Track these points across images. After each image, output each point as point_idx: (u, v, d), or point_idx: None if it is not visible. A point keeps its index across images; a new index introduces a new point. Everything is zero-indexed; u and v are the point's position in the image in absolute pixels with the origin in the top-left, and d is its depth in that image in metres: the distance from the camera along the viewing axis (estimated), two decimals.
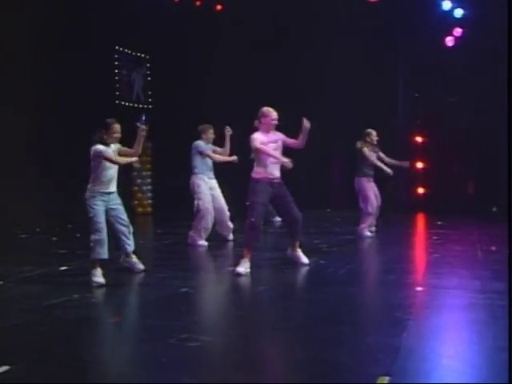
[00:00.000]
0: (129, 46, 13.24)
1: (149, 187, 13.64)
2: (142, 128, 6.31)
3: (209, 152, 8.64)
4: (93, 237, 6.04)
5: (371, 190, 9.30)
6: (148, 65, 13.98)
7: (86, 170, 10.96)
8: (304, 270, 6.78)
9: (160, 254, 8.34)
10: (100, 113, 11.82)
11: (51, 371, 3.72)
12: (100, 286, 5.90)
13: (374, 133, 9.29)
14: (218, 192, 8.75)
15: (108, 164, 6.19)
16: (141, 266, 6.58)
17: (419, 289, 5.88)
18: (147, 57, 13.91)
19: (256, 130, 6.75)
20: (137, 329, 4.83)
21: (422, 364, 3.82)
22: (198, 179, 8.61)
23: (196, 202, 8.61)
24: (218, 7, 13.97)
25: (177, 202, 12.31)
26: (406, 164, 9.86)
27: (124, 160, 6.32)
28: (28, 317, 4.90)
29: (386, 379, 3.47)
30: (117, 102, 12.84)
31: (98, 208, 6.14)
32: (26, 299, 5.48)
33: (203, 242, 8.59)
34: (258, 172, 6.72)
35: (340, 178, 13.67)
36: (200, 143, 8.62)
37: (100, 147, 6.14)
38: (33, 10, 10.30)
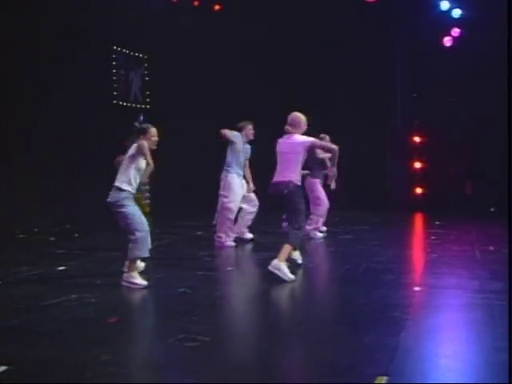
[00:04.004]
0: (126, 45, 13.21)
1: (147, 187, 13.59)
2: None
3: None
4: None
5: (323, 192, 9.36)
6: (146, 65, 13.95)
7: (86, 169, 10.92)
8: (303, 270, 6.77)
9: (158, 254, 8.30)
10: (98, 113, 11.90)
11: (49, 371, 3.71)
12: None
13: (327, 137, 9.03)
14: (244, 191, 8.63)
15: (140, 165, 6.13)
16: None
17: (417, 289, 5.88)
18: (145, 57, 13.88)
19: (287, 133, 6.47)
20: (135, 329, 4.82)
21: (420, 364, 3.82)
22: (231, 177, 8.47)
23: (222, 199, 8.47)
24: (216, 7, 13.99)
25: (176, 201, 12.32)
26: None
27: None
28: (26, 317, 4.89)
29: (384, 379, 3.47)
30: (114, 101, 12.80)
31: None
32: (23, 299, 5.46)
33: (231, 243, 8.43)
34: (298, 177, 6.49)
35: (338, 178, 13.64)
36: (239, 135, 8.53)
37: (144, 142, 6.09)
38: (31, 10, 10.28)
